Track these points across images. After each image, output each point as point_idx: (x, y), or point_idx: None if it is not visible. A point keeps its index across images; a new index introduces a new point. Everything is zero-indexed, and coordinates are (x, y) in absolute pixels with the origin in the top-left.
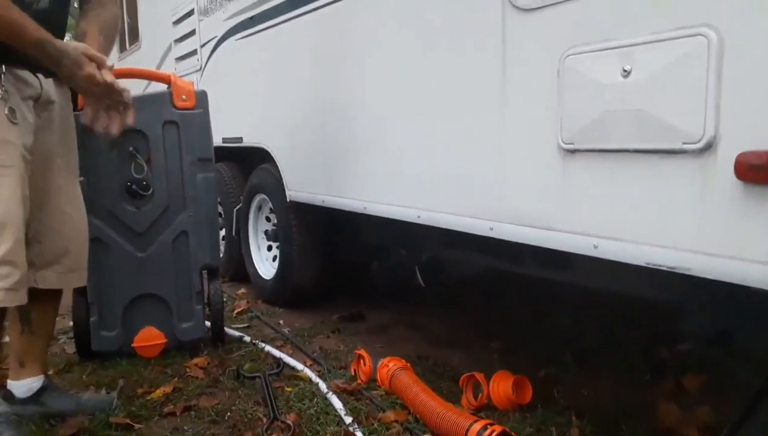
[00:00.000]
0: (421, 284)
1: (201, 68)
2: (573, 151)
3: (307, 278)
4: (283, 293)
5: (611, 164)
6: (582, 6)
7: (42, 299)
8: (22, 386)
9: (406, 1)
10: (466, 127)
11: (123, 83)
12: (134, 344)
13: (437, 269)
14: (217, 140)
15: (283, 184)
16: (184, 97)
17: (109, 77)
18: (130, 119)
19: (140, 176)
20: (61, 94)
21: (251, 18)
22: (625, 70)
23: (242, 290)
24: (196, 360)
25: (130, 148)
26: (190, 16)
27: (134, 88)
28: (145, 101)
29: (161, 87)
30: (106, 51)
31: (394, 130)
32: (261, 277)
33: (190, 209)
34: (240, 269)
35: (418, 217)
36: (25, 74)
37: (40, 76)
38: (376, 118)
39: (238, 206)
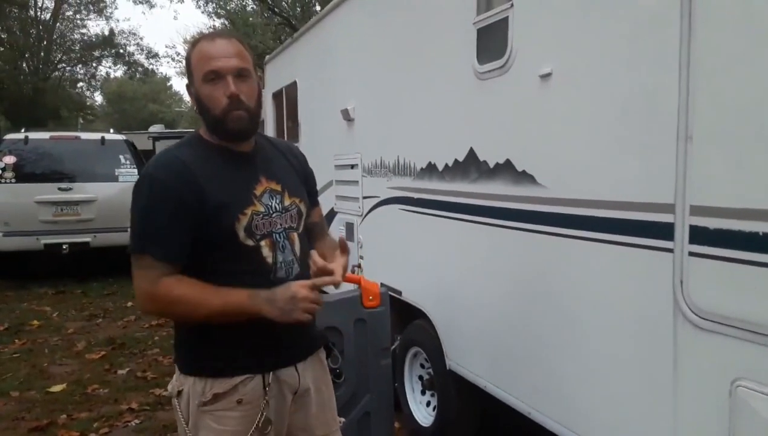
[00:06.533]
0: None
1: (362, 215)
2: None
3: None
4: None
5: None
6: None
7: None
8: None
9: None
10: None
11: None
12: None
13: None
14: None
15: (442, 349)
16: (371, 297)
17: (314, 295)
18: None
19: (335, 366)
20: (319, 368)
21: (414, 198)
22: None
23: (397, 424)
24: None
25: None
26: (353, 168)
27: None
28: (341, 302)
29: None
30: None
31: (569, 349)
32: (416, 421)
33: (373, 393)
34: None
35: None
36: (288, 373)
37: (300, 366)
38: (551, 328)
39: (395, 345)
